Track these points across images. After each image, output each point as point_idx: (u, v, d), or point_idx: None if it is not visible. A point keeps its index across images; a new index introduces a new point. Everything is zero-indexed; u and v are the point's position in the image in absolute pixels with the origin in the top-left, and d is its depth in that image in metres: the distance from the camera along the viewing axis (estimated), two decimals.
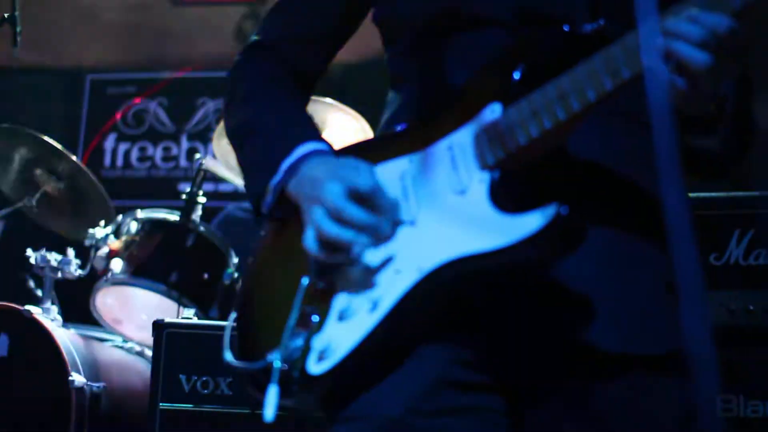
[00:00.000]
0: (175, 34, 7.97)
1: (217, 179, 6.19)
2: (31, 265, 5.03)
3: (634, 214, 1.86)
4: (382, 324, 1.74)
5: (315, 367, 1.75)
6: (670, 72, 1.59)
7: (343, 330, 1.77)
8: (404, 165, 1.88)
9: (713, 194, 3.35)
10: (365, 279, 1.79)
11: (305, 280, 1.84)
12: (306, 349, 1.76)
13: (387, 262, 1.79)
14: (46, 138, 5.23)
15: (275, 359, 1.76)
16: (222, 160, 5.68)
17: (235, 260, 5.22)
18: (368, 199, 1.79)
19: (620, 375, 1.81)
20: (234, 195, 7.35)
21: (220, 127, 5.47)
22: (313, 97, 5.11)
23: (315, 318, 1.80)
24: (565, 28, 1.77)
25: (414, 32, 2.03)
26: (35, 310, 4.62)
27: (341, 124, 5.37)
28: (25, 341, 4.51)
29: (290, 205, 1.95)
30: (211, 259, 5.11)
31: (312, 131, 2.06)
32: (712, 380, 1.20)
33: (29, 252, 5.04)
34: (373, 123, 5.35)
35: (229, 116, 2.19)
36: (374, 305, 1.75)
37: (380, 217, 1.79)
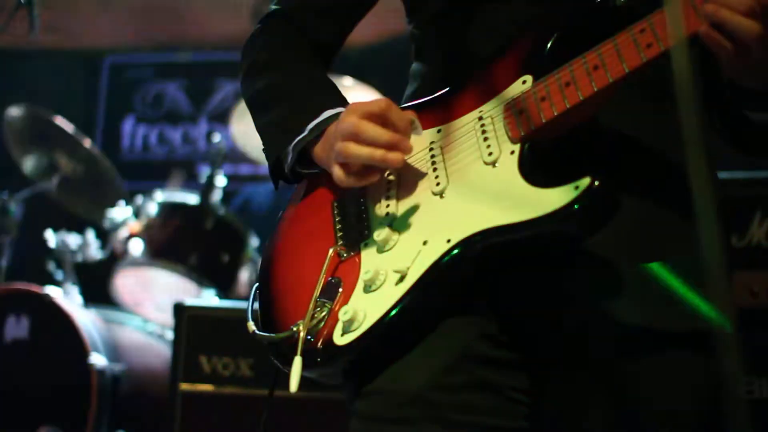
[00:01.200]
0: (193, 15, 7.96)
1: (236, 161, 6.19)
2: (51, 247, 5.06)
3: (666, 191, 1.83)
4: (409, 295, 1.71)
5: (340, 338, 1.73)
6: (720, 41, 1.56)
7: (370, 301, 1.74)
8: (433, 136, 1.86)
9: (734, 174, 3.32)
10: (392, 250, 1.78)
11: (331, 251, 1.83)
12: (331, 320, 1.75)
13: (415, 232, 1.77)
14: (63, 121, 5.24)
15: (300, 329, 1.75)
16: (241, 142, 5.69)
17: (255, 243, 5.23)
18: (382, 118, 1.77)
19: (645, 352, 1.79)
20: (254, 177, 7.36)
21: (239, 109, 5.48)
22: (333, 77, 5.11)
23: (340, 289, 1.79)
24: (597, 0, 1.74)
25: (438, 1, 2.00)
26: (56, 293, 4.64)
27: None
28: (45, 323, 4.54)
29: (312, 167, 1.94)
30: (230, 242, 5.12)
31: (338, 97, 2.03)
32: (736, 360, 1.19)
33: (49, 234, 5.06)
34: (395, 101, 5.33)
35: (249, 83, 2.16)
36: (401, 277, 1.73)
37: (398, 132, 1.78)
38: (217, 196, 5.26)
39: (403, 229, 1.79)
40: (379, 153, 1.76)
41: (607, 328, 1.79)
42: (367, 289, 1.76)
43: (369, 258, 1.80)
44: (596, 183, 1.59)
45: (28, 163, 5.39)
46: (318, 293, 1.79)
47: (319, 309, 1.78)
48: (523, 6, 1.87)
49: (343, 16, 2.20)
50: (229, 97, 7.77)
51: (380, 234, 1.79)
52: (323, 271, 1.81)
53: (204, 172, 5.41)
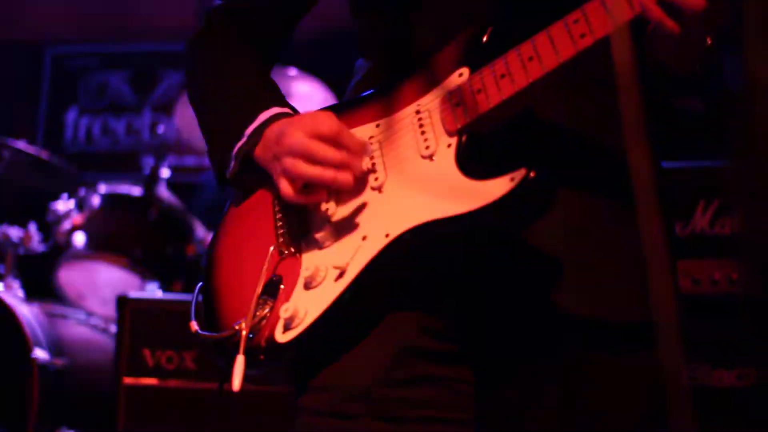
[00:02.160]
0: (138, 5, 7.89)
1: (180, 152, 6.15)
2: None
3: (606, 180, 1.83)
4: (349, 291, 1.72)
5: (281, 335, 1.74)
6: (663, 19, 1.57)
7: (310, 298, 1.75)
8: (371, 130, 1.87)
9: (679, 163, 3.35)
10: (332, 246, 1.79)
11: (272, 249, 1.84)
12: (273, 318, 1.76)
13: (354, 228, 1.77)
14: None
15: (242, 328, 1.76)
16: (186, 133, 5.65)
17: (201, 235, 5.19)
18: (333, 140, 1.77)
19: (592, 343, 1.80)
20: (199, 168, 7.31)
21: (184, 99, 5.43)
22: (277, 68, 5.10)
23: (281, 286, 1.80)
24: None
25: None
26: None
27: (307, 95, 5.34)
28: None
29: (254, 171, 1.93)
30: (174, 234, 5.09)
31: (276, 97, 2.03)
32: (677, 348, 1.19)
33: None
34: (338, 94, 5.32)
35: (192, 82, 2.15)
36: (341, 273, 1.74)
37: (350, 154, 1.78)
38: (161, 187, 5.21)
39: (342, 225, 1.79)
40: (329, 173, 1.77)
41: (552, 320, 1.80)
42: (308, 285, 1.76)
43: (309, 255, 1.81)
44: (532, 174, 1.60)
45: None
46: (260, 291, 1.79)
47: (260, 307, 1.78)
48: (468, 3, 1.86)
49: (289, 11, 2.18)
50: (174, 87, 7.70)
51: (319, 231, 1.79)
52: (264, 269, 1.82)
53: (148, 163, 5.36)
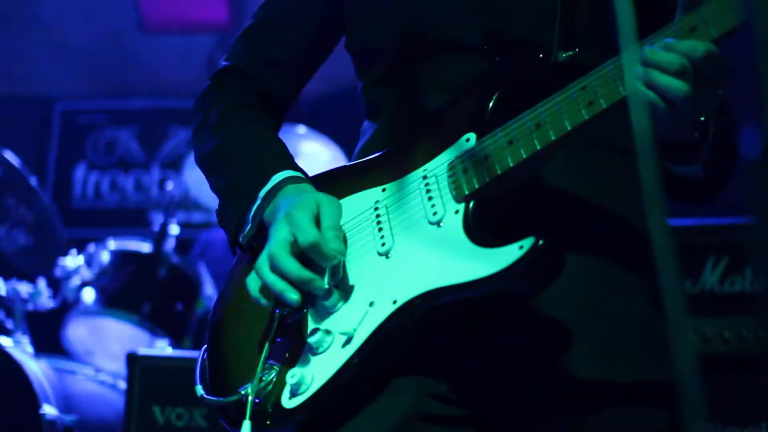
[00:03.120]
0: (146, 62, 7.95)
1: (189, 209, 6.17)
2: (2, 295, 4.99)
3: (613, 244, 1.85)
4: (355, 357, 1.72)
5: (288, 401, 1.74)
6: (651, 99, 1.59)
7: (317, 364, 1.75)
8: (378, 194, 1.87)
9: (688, 221, 3.36)
10: (339, 311, 1.78)
11: (278, 313, 1.82)
12: (279, 383, 1.76)
13: (361, 293, 1.77)
14: (12, 160, 5.19)
15: (249, 393, 1.75)
16: (194, 190, 5.68)
17: (210, 292, 5.20)
18: (308, 251, 1.77)
19: (602, 406, 1.80)
20: (207, 225, 7.33)
21: (192, 157, 5.46)
22: (285, 125, 5.12)
23: (288, 352, 1.80)
24: (540, 57, 1.77)
25: (386, 58, 2.01)
26: (6, 342, 4.57)
27: (314, 153, 5.37)
28: None
29: (265, 234, 1.92)
30: (183, 290, 5.10)
31: (285, 158, 2.03)
32: (699, 409, 1.20)
33: None
34: (346, 151, 5.35)
35: (199, 142, 2.15)
36: (348, 339, 1.74)
37: (315, 273, 1.77)
38: (170, 244, 5.23)
39: (349, 290, 1.79)
40: (279, 287, 1.77)
41: (561, 383, 1.80)
42: (314, 351, 1.76)
43: (316, 320, 1.80)
44: (540, 242, 1.60)
45: None
46: (266, 355, 1.79)
47: (267, 371, 1.78)
48: (469, 62, 1.87)
49: (297, 70, 2.20)
50: (182, 144, 7.74)
51: (326, 296, 1.78)
52: (271, 333, 1.81)
53: (157, 219, 5.37)
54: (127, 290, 5.01)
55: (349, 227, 1.85)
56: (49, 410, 4.33)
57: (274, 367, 1.78)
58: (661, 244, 1.21)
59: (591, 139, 1.82)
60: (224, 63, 2.21)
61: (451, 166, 1.77)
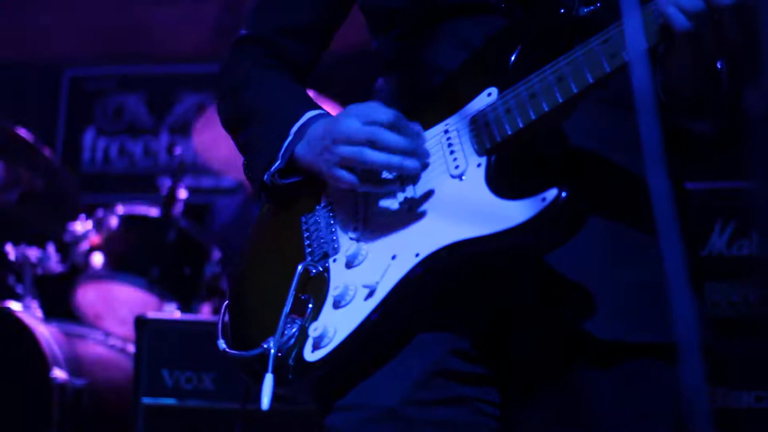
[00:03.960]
0: (154, 28, 7.93)
1: (198, 174, 6.17)
2: (11, 261, 5.01)
3: (633, 202, 1.83)
4: (378, 310, 1.73)
5: (311, 354, 1.75)
6: (670, 14, 1.58)
7: (339, 317, 1.76)
8: None
9: (696, 185, 3.35)
10: (362, 265, 1.79)
11: (300, 267, 1.83)
12: (301, 337, 1.76)
13: (384, 247, 1.78)
14: (23, 133, 5.20)
15: (271, 347, 1.76)
16: (203, 155, 5.67)
17: (217, 256, 5.21)
18: (394, 126, 1.77)
19: (619, 363, 1.81)
20: (215, 189, 7.33)
21: (201, 121, 5.46)
22: None
23: (310, 305, 1.80)
24: (562, 11, 1.76)
25: (403, 18, 2.00)
26: (16, 306, 4.60)
27: None
28: (6, 338, 4.48)
29: (296, 176, 1.93)
30: (192, 254, 5.10)
31: (314, 102, 2.03)
32: (698, 368, 1.20)
33: (9, 248, 5.01)
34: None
35: (226, 106, 2.16)
36: (371, 292, 1.74)
37: (412, 145, 1.77)
38: (178, 208, 5.23)
39: (371, 244, 1.79)
40: (396, 159, 1.75)
41: (580, 342, 1.81)
42: (337, 304, 1.76)
43: (338, 273, 1.80)
44: (563, 194, 1.61)
45: None
46: (288, 310, 1.79)
47: (289, 325, 1.78)
48: (490, 20, 1.87)
49: (315, 34, 2.19)
50: (191, 109, 7.73)
51: (349, 249, 1.79)
52: (292, 287, 1.81)
53: (165, 184, 5.37)
54: (136, 254, 5.02)
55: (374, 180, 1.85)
56: (59, 374, 4.36)
57: (297, 321, 1.79)
58: (660, 201, 1.21)
59: (612, 98, 1.82)
60: (243, 32, 2.21)
61: (473, 120, 1.77)
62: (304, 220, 1.93)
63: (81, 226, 5.08)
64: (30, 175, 5.26)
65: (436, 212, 1.75)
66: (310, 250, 1.88)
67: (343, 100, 5.31)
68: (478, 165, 1.74)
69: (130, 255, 5.02)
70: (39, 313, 4.86)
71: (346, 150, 1.78)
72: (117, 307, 5.13)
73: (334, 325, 1.74)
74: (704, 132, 1.84)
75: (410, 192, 1.78)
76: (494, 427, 1.81)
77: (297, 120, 1.92)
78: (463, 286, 1.78)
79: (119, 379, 4.74)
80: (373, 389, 1.75)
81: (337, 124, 1.81)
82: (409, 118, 1.85)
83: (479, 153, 1.75)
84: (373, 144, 1.75)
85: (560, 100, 1.67)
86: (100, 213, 5.15)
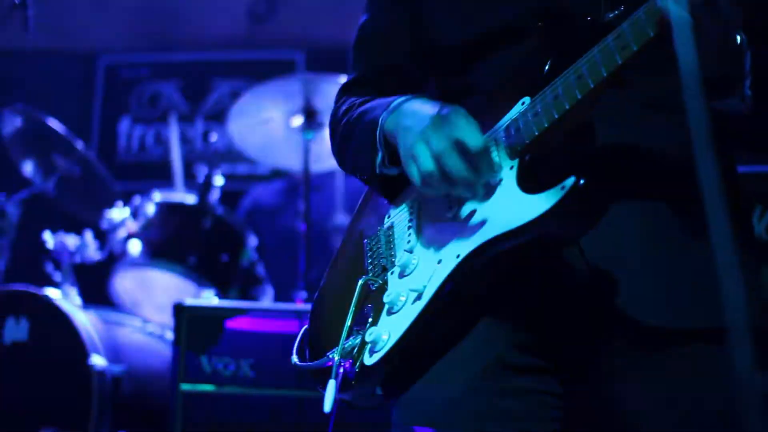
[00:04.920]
0: (189, 14, 7.95)
1: (233, 161, 6.19)
2: (50, 248, 5.04)
3: (679, 189, 1.85)
4: (426, 311, 1.81)
5: (368, 359, 1.85)
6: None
7: (392, 322, 1.86)
8: None
9: None
10: (413, 274, 1.90)
11: (361, 281, 1.96)
12: (362, 345, 1.88)
13: (431, 255, 1.88)
14: (57, 123, 5.24)
15: (334, 355, 1.88)
16: (238, 142, 5.68)
17: (254, 243, 5.22)
18: (472, 156, 1.82)
19: (673, 349, 1.84)
20: (251, 176, 7.35)
21: (236, 108, 5.47)
22: (328, 75, 5.10)
23: (370, 317, 1.92)
24: (588, 19, 1.83)
25: (453, 53, 2.11)
26: (54, 294, 4.63)
27: None
28: (45, 325, 4.52)
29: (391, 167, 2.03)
30: (228, 241, 5.12)
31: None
32: (748, 352, 1.19)
33: (47, 235, 5.05)
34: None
35: (334, 139, 2.30)
36: (418, 295, 1.84)
37: (478, 177, 1.82)
38: (214, 195, 5.25)
39: (421, 254, 1.91)
40: (455, 188, 1.84)
41: (634, 330, 1.84)
42: (390, 311, 1.88)
43: (393, 283, 1.93)
44: (581, 181, 1.66)
45: (26, 165, 5.37)
46: (351, 322, 1.92)
47: (353, 336, 1.90)
48: (530, 41, 1.93)
49: (406, 71, 2.27)
50: (225, 96, 7.75)
51: (402, 260, 1.92)
52: (354, 300, 1.94)
53: (201, 171, 5.39)
54: (173, 241, 5.04)
55: (423, 197, 1.98)
56: (98, 361, 4.39)
57: (359, 332, 1.90)
58: (709, 183, 1.20)
59: (635, 97, 1.89)
60: (348, 78, 2.36)
61: (507, 128, 1.85)
62: (367, 242, 2.09)
63: (118, 213, 5.11)
64: (66, 164, 5.29)
65: (476, 217, 1.83)
66: (371, 266, 2.02)
67: None
68: (511, 167, 1.82)
69: (168, 242, 5.04)
70: (77, 300, 4.89)
71: (421, 153, 1.86)
72: (155, 293, 5.16)
73: (388, 329, 1.85)
74: (735, 109, 1.85)
75: (455, 202, 1.90)
76: (557, 417, 1.87)
77: (389, 106, 2.03)
78: (509, 281, 1.85)
79: (157, 365, 4.77)
80: (435, 381, 1.84)
81: (427, 121, 1.88)
82: None
83: (511, 157, 1.83)
84: (443, 168, 1.82)
85: (579, 96, 1.73)
86: (137, 200, 5.17)
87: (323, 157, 5.58)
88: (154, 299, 5.19)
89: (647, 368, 1.84)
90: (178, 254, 4.97)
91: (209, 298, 4.83)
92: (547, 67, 1.83)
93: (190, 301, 3.95)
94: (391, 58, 2.27)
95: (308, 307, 3.90)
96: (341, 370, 1.86)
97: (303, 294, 4.87)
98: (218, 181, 5.28)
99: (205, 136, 7.59)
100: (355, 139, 2.14)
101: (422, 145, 1.85)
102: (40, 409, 4.42)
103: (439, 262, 1.84)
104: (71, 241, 5.03)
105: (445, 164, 1.82)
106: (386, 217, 2.09)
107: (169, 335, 4.63)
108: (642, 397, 1.85)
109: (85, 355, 4.38)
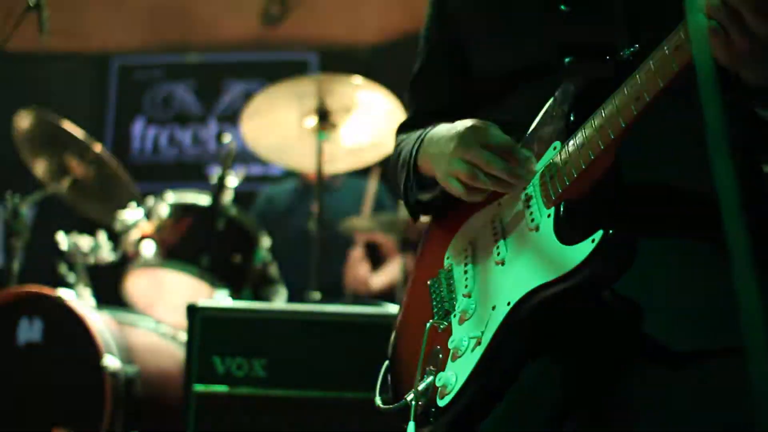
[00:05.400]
0: (202, 16, 7.96)
1: (246, 161, 6.19)
2: (63, 250, 5.06)
3: (689, 227, 1.93)
4: (485, 356, 1.93)
5: (440, 401, 1.97)
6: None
7: (458, 367, 1.98)
8: (495, 209, 2.10)
9: None
10: (471, 318, 2.01)
11: (428, 325, 2.08)
12: (435, 386, 2.00)
13: (486, 301, 1.99)
14: (71, 125, 5.25)
15: (411, 399, 2.02)
16: (252, 143, 5.69)
17: (267, 243, 5.22)
18: (506, 152, 1.99)
19: (696, 366, 1.88)
20: (264, 177, 7.35)
21: (249, 109, 5.48)
22: (341, 77, 5.10)
23: (440, 357, 2.04)
24: (607, 58, 1.90)
25: (494, 86, 2.22)
26: (68, 295, 4.64)
27: (370, 103, 5.36)
28: (59, 326, 4.53)
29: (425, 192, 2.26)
30: (242, 242, 5.12)
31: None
32: (764, 367, 1.17)
33: (61, 237, 5.06)
34: (401, 102, 5.34)
35: (391, 176, 2.46)
36: (477, 341, 1.96)
37: (514, 169, 1.98)
38: (228, 196, 5.26)
39: (478, 299, 2.03)
40: (501, 186, 2.01)
41: (659, 356, 1.90)
42: (455, 356, 2.00)
43: (456, 329, 2.04)
44: (610, 232, 1.75)
45: (39, 166, 5.39)
46: (423, 364, 2.06)
47: (426, 376, 2.04)
48: (555, 79, 2.00)
49: (457, 111, 2.32)
50: (238, 97, 7.77)
51: (461, 305, 2.04)
52: (423, 344, 2.08)
53: (214, 173, 5.40)
54: (186, 242, 5.04)
55: (476, 241, 2.11)
56: (111, 361, 4.39)
57: (432, 371, 2.03)
58: (725, 189, 1.19)
59: (665, 133, 1.95)
60: (405, 118, 2.54)
61: (542, 175, 1.96)
62: (430, 283, 2.20)
63: (132, 214, 5.11)
64: (80, 166, 5.30)
65: (521, 264, 1.94)
66: (436, 309, 2.12)
67: (389, 85, 5.32)
68: (548, 216, 1.91)
69: (181, 243, 5.04)
70: (91, 301, 4.90)
71: (460, 169, 2.02)
72: (168, 294, 5.17)
73: (455, 372, 1.97)
74: None
75: (502, 247, 2.01)
76: None
77: (417, 138, 2.21)
78: (551, 324, 1.95)
79: (171, 366, 4.78)
80: (500, 421, 2.00)
81: (458, 142, 2.04)
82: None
83: (547, 205, 1.92)
84: (487, 168, 1.99)
85: (602, 147, 1.81)
86: (150, 202, 5.18)
87: (336, 158, 5.59)
88: (167, 300, 5.19)
89: (667, 384, 1.89)
90: (191, 255, 4.97)
91: (222, 299, 4.83)
92: (572, 114, 1.92)
93: (203, 302, 3.95)
94: (438, 101, 2.44)
95: (321, 307, 3.91)
96: (418, 410, 2.00)
97: (316, 295, 4.87)
98: (231, 182, 5.29)
99: (219, 137, 7.60)
100: (399, 174, 2.35)
101: (454, 161, 2.03)
102: (53, 410, 4.43)
103: (494, 308, 1.95)
104: (85, 242, 5.04)
105: (481, 164, 1.98)
106: (445, 257, 2.21)
107: (183, 336, 4.63)
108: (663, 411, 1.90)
109: (98, 356, 4.39)
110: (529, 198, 1.98)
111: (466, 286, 2.07)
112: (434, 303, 2.14)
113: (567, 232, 1.85)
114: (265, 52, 7.77)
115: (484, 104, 2.26)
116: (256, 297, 5.06)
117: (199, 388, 3.74)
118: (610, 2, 2.04)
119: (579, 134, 1.86)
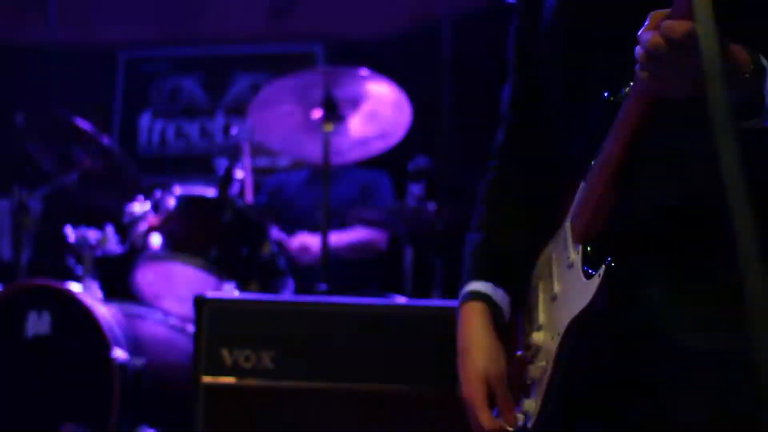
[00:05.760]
0: (209, 9, 7.96)
1: (254, 154, 6.19)
2: (71, 242, 5.06)
3: (694, 252, 1.96)
4: (551, 384, 2.05)
5: (528, 424, 2.12)
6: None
7: (534, 392, 2.12)
8: (552, 247, 2.18)
9: None
10: (541, 349, 2.13)
11: (517, 354, 2.23)
12: (524, 412, 2.15)
13: (547, 332, 2.12)
14: (78, 118, 5.25)
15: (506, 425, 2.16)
16: (259, 135, 5.69)
17: (275, 234, 5.22)
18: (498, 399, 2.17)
19: (699, 371, 1.93)
20: (271, 169, 7.35)
21: (257, 102, 5.47)
22: (348, 69, 5.10)
23: (525, 386, 2.18)
24: (605, 95, 1.93)
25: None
26: (76, 287, 4.65)
27: (379, 95, 5.36)
28: (67, 318, 4.54)
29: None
30: (249, 235, 5.12)
31: (493, 266, 2.30)
32: None
33: (69, 230, 5.07)
34: (409, 94, 5.33)
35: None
36: (544, 370, 2.08)
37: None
38: (235, 188, 5.26)
39: (545, 330, 2.14)
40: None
41: (664, 351, 1.97)
42: (532, 386, 2.14)
43: (531, 357, 2.18)
44: (612, 264, 1.87)
45: (47, 160, 5.39)
46: (516, 391, 2.19)
47: (521, 403, 2.16)
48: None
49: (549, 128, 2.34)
50: (246, 90, 7.76)
51: (537, 339, 2.16)
52: (513, 373, 2.21)
53: (222, 165, 5.40)
54: (194, 235, 5.04)
55: (541, 279, 2.21)
56: (119, 354, 4.40)
57: (524, 400, 2.15)
58: (733, 180, 1.18)
59: (674, 165, 1.98)
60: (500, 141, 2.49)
61: (572, 214, 2.07)
62: (521, 314, 2.30)
63: (139, 207, 5.12)
64: (88, 158, 5.31)
65: (564, 298, 2.06)
66: (523, 341, 2.24)
67: (396, 77, 5.31)
68: (577, 252, 2.01)
69: (188, 235, 5.04)
70: (99, 293, 4.91)
71: (463, 395, 2.19)
72: (176, 287, 5.17)
73: (533, 398, 2.12)
74: (757, 129, 1.85)
75: (549, 287, 2.13)
76: None
77: (464, 285, 2.29)
78: (592, 353, 2.07)
79: (179, 358, 4.78)
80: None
81: (466, 380, 2.19)
82: (553, 218, 2.19)
83: (575, 242, 2.03)
84: (473, 415, 2.16)
85: (602, 184, 1.91)
86: (157, 194, 5.19)
87: (343, 149, 5.58)
88: (175, 292, 5.19)
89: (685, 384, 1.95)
90: (199, 247, 4.97)
91: (230, 291, 4.83)
92: (594, 160, 1.98)
93: (211, 294, 3.95)
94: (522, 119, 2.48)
95: (329, 299, 3.90)
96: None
97: (323, 286, 4.87)
98: (238, 174, 5.29)
99: (226, 130, 7.60)
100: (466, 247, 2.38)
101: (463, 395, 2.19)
102: (61, 402, 4.45)
103: (552, 338, 2.07)
104: (92, 234, 5.05)
105: (478, 421, 2.16)
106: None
107: (191, 328, 4.64)
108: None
109: (106, 349, 4.40)
110: (566, 237, 2.09)
111: (538, 320, 2.17)
112: (522, 336, 2.27)
113: (589, 267, 1.96)
114: (272, 45, 7.76)
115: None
116: (264, 289, 5.06)
117: (207, 379, 3.74)
118: None
119: (588, 173, 1.98)
